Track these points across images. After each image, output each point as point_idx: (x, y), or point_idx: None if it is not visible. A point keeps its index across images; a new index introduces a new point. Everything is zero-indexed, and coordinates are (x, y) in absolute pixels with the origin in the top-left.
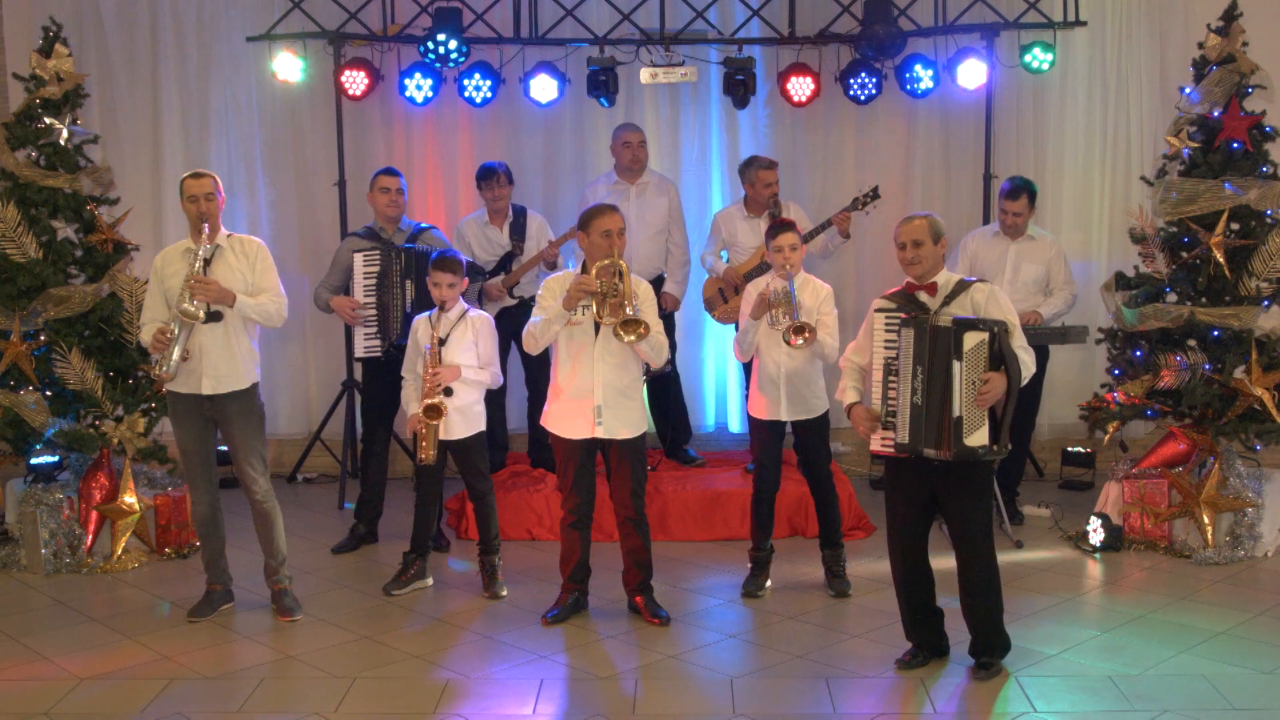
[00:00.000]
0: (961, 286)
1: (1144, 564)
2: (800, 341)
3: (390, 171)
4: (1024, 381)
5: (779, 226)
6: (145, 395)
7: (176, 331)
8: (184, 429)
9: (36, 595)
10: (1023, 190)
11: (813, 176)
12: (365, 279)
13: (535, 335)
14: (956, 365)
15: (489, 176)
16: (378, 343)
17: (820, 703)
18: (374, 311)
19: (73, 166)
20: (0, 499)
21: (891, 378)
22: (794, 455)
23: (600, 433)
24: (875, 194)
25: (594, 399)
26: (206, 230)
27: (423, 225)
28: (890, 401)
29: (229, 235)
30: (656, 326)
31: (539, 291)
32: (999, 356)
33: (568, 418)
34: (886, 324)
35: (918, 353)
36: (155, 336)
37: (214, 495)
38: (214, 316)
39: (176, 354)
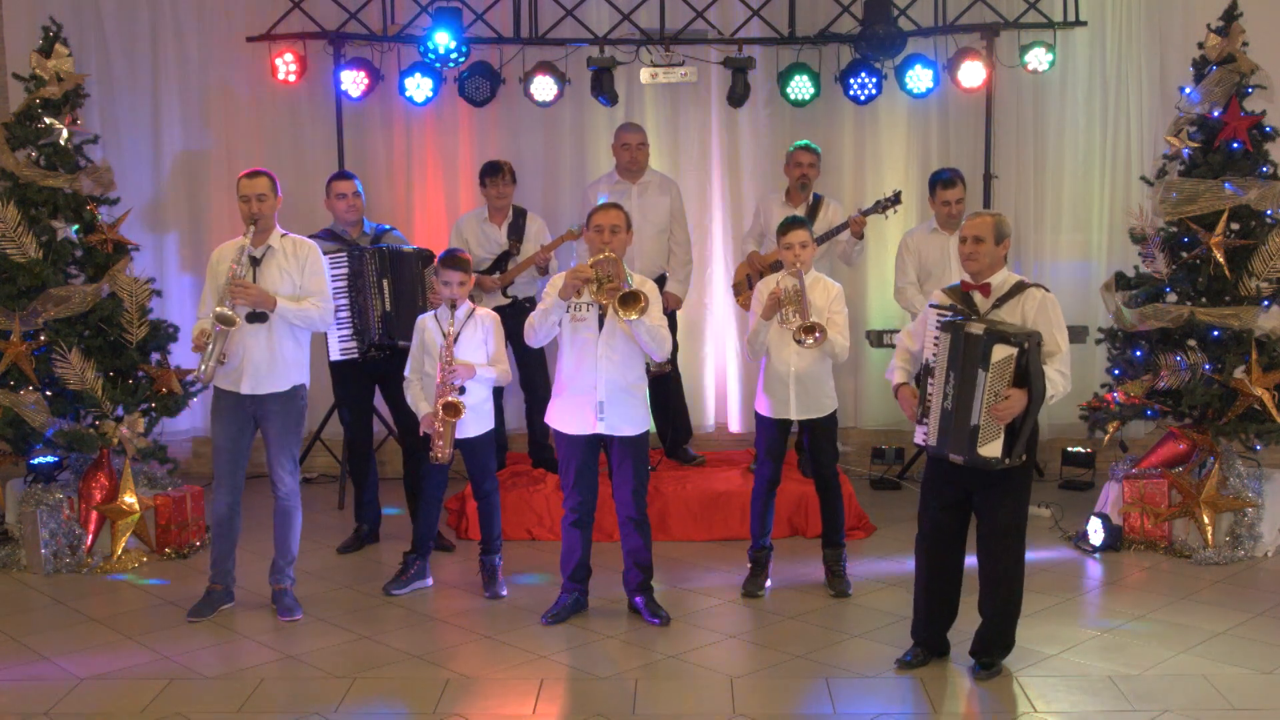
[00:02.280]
0: (1016, 290)
1: (1144, 564)
2: (811, 341)
3: (344, 176)
4: (1051, 401)
5: (789, 223)
6: (145, 395)
7: (213, 335)
8: (220, 425)
9: (36, 595)
10: (958, 177)
11: None
12: (334, 281)
13: (534, 326)
14: (981, 375)
15: (494, 173)
16: (354, 344)
17: (820, 703)
18: (347, 314)
19: (73, 166)
20: (0, 499)
21: (930, 379)
22: (794, 454)
23: (602, 429)
24: (897, 198)
25: (597, 395)
26: (252, 231)
27: (384, 226)
28: (927, 400)
29: (283, 236)
30: (660, 322)
31: (544, 289)
32: (1026, 372)
33: (570, 413)
34: (936, 322)
35: (951, 359)
36: (194, 339)
37: (235, 496)
38: (259, 318)
39: (213, 358)
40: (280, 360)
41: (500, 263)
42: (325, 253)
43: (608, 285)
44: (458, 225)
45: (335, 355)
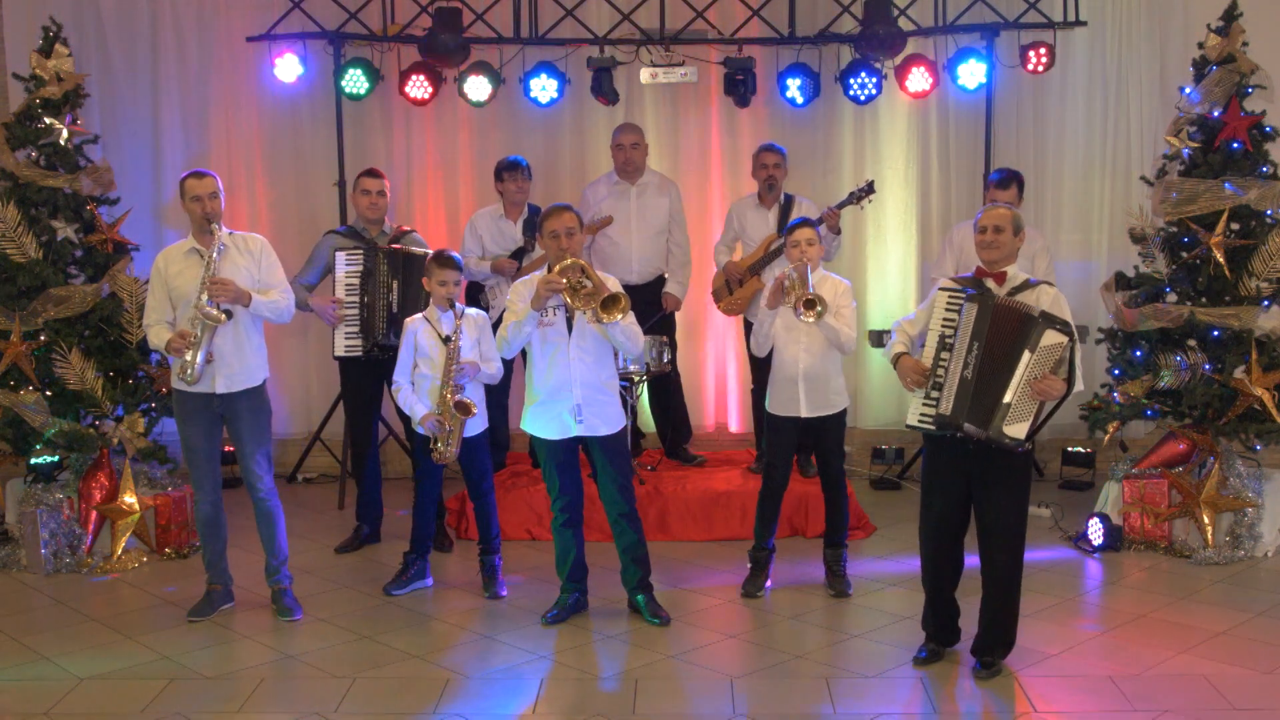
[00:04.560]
0: (1028, 285)
1: (1144, 564)
2: (812, 317)
3: (372, 173)
4: (1069, 395)
5: (797, 223)
6: (145, 395)
7: (199, 335)
8: (192, 427)
9: (36, 595)
10: (1012, 180)
11: (813, 176)
12: (347, 278)
13: (507, 339)
14: (1026, 355)
15: (513, 169)
16: (359, 342)
17: (820, 703)
18: (355, 311)
19: (73, 166)
20: (0, 499)
21: (944, 353)
22: (795, 455)
23: (581, 430)
24: (870, 188)
25: (572, 398)
26: (216, 230)
27: (405, 229)
28: (939, 375)
29: (230, 233)
30: (631, 319)
31: (508, 296)
32: (1062, 363)
33: (547, 418)
34: (949, 304)
35: (977, 329)
36: (174, 340)
37: (217, 495)
38: (226, 315)
39: (201, 358)
40: (250, 356)
41: (515, 259)
42: (341, 249)
43: (583, 292)
44: (472, 222)
45: (339, 351)
